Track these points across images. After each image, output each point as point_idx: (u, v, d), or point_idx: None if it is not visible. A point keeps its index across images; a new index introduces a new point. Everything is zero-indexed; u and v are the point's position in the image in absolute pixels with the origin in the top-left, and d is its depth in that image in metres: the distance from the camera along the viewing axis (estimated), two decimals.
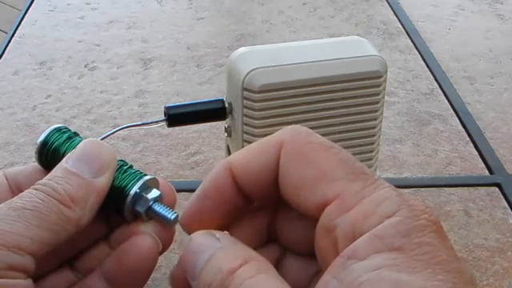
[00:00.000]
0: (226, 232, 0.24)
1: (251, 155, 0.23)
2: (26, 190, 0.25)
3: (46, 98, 0.56)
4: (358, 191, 0.21)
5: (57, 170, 0.26)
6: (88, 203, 0.25)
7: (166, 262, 0.38)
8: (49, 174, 0.26)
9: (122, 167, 0.28)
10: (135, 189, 0.27)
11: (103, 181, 0.26)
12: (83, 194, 0.25)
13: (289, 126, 0.23)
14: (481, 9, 0.76)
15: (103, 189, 0.26)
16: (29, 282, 0.23)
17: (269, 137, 0.23)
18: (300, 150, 0.22)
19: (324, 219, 0.21)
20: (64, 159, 0.26)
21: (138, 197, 0.27)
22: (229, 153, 0.41)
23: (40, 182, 0.25)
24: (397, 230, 0.20)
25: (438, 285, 0.19)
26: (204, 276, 0.21)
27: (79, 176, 0.25)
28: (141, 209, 0.27)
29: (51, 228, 0.24)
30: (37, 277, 0.27)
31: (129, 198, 0.27)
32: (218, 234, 0.23)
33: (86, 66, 0.61)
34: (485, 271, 0.39)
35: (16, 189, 0.27)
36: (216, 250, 0.22)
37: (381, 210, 0.20)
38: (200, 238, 0.23)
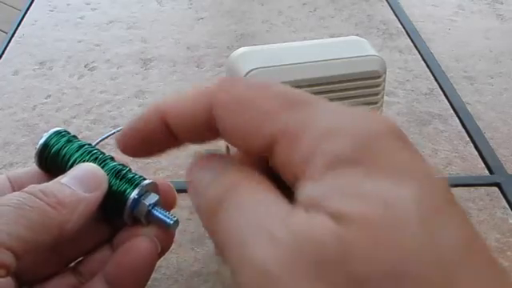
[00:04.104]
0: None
1: (183, 102, 0.23)
2: (14, 192, 0.25)
3: (46, 98, 0.56)
4: (302, 120, 0.20)
5: (50, 182, 0.26)
6: (75, 211, 0.25)
7: (166, 263, 0.38)
8: (41, 185, 0.26)
9: (121, 171, 0.28)
10: (134, 194, 0.27)
11: (93, 195, 0.26)
12: (71, 201, 0.25)
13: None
14: (481, 9, 0.75)
15: (92, 203, 0.26)
16: (8, 280, 0.22)
17: (201, 86, 0.23)
18: (235, 95, 0.22)
19: (277, 159, 0.21)
20: (59, 177, 0.26)
21: (137, 202, 0.27)
22: (228, 152, 0.41)
23: (31, 186, 0.25)
24: (351, 143, 0.19)
25: (403, 192, 0.18)
26: (210, 192, 0.21)
27: (71, 188, 0.26)
28: (140, 214, 0.27)
29: (32, 226, 0.23)
30: (39, 280, 0.27)
31: (128, 203, 0.27)
32: (212, 164, 0.23)
33: (85, 66, 0.61)
34: None
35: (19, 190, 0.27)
36: (210, 179, 0.22)
37: (329, 131, 0.19)
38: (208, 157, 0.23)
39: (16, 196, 0.24)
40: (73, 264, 0.29)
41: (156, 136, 0.24)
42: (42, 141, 0.29)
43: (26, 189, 0.25)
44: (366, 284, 0.16)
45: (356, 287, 0.16)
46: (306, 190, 0.19)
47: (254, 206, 0.20)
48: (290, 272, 0.17)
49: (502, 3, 0.77)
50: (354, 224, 0.17)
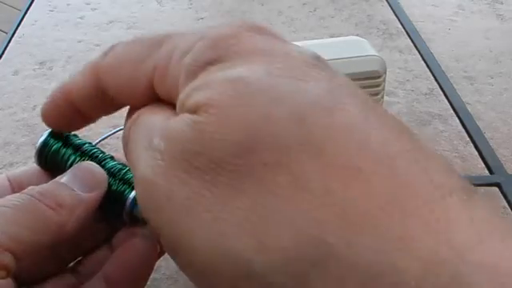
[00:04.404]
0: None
1: (78, 80, 0.25)
2: (13, 194, 0.25)
3: (46, 98, 0.56)
4: (167, 51, 0.21)
5: (49, 183, 0.26)
6: (74, 212, 0.25)
7: (166, 263, 0.38)
8: (40, 185, 0.26)
9: (121, 171, 0.28)
10: (133, 194, 0.27)
11: (92, 196, 0.26)
12: (70, 201, 0.25)
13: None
14: (481, 9, 0.75)
15: (91, 203, 0.26)
16: (8, 281, 0.22)
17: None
18: (112, 55, 0.24)
19: (160, 95, 0.22)
20: (58, 176, 0.26)
21: (136, 201, 0.27)
22: None
23: (30, 188, 0.25)
24: (205, 47, 0.19)
25: (253, 69, 0.18)
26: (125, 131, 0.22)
27: (69, 188, 0.26)
28: (139, 213, 0.27)
29: (31, 227, 0.23)
30: (38, 280, 0.27)
31: (127, 203, 0.27)
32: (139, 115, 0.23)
33: None
34: None
35: (19, 191, 0.27)
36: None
37: (188, 46, 0.20)
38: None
39: (15, 197, 0.24)
40: (72, 264, 0.29)
41: (68, 114, 0.26)
42: (41, 139, 0.29)
43: (25, 190, 0.25)
44: (225, 164, 0.17)
45: (216, 169, 0.17)
46: (177, 103, 0.20)
47: (143, 125, 0.21)
48: (162, 173, 0.18)
49: (502, 3, 0.77)
50: (206, 110, 0.17)
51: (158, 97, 0.22)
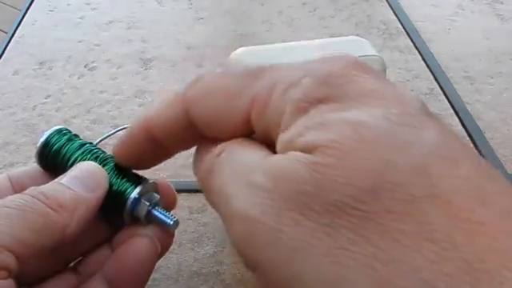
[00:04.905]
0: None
1: (162, 112, 0.24)
2: (15, 194, 0.25)
3: (46, 98, 0.56)
4: (268, 83, 0.20)
5: (50, 183, 0.26)
6: (76, 213, 0.25)
7: (166, 263, 0.38)
8: (42, 186, 0.26)
9: (122, 171, 0.28)
10: (134, 194, 0.27)
11: (93, 196, 0.26)
12: (72, 202, 0.25)
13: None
14: (481, 9, 0.75)
15: (93, 204, 0.26)
16: (9, 282, 0.22)
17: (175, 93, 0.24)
18: (202, 87, 0.23)
19: (257, 128, 0.21)
20: (59, 177, 0.26)
21: (137, 202, 0.27)
22: None
23: (31, 188, 0.25)
24: (313, 84, 0.19)
25: (371, 112, 0.17)
26: (203, 161, 0.22)
27: (70, 188, 0.25)
28: (140, 214, 0.27)
29: (34, 228, 0.23)
30: (38, 280, 0.27)
31: (128, 203, 0.27)
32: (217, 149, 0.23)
33: (85, 66, 0.61)
34: None
35: (20, 190, 0.27)
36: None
37: (293, 81, 0.19)
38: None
39: (17, 198, 0.24)
40: (72, 264, 0.29)
41: (146, 149, 0.25)
42: (42, 139, 0.29)
43: (26, 191, 0.25)
44: (347, 209, 0.16)
45: (336, 213, 0.16)
46: (281, 138, 0.19)
47: (236, 160, 0.20)
48: (272, 213, 0.17)
49: (502, 3, 0.77)
50: (326, 152, 0.17)
51: (251, 131, 0.21)
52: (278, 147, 0.19)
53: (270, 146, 0.21)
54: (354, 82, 0.19)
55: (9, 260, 0.22)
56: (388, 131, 0.17)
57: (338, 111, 0.18)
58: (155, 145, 0.25)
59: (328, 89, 0.19)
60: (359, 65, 0.20)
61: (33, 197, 0.24)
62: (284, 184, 0.17)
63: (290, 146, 0.18)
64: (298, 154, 0.18)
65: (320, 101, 0.18)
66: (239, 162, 0.20)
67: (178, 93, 0.23)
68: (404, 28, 0.71)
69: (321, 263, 0.16)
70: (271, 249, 0.17)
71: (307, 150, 0.17)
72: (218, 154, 0.21)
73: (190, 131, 0.23)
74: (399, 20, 0.73)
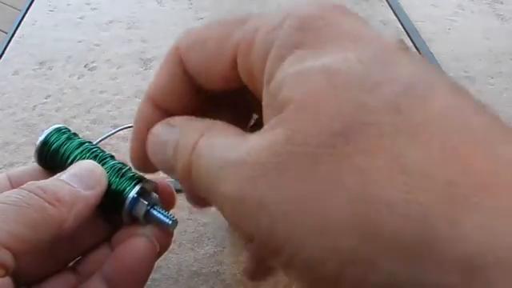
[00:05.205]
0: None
1: (161, 75, 0.25)
2: (12, 190, 0.25)
3: (46, 98, 0.56)
4: (253, 26, 0.21)
5: (49, 179, 0.26)
6: (74, 208, 0.25)
7: (166, 263, 0.38)
8: (40, 181, 0.26)
9: (121, 170, 0.28)
10: (133, 193, 0.27)
11: (93, 193, 0.26)
12: (70, 198, 0.25)
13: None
14: (481, 9, 0.75)
15: (91, 200, 0.26)
16: (7, 280, 0.22)
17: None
18: (193, 35, 0.23)
19: (242, 73, 0.21)
20: (58, 174, 0.26)
21: (136, 201, 0.27)
22: None
23: (29, 183, 0.25)
24: (293, 27, 0.19)
25: (346, 56, 0.18)
26: (178, 163, 0.21)
27: (70, 184, 0.25)
28: (138, 213, 0.27)
29: (30, 223, 0.23)
30: (37, 280, 0.27)
31: (126, 203, 0.27)
32: (172, 120, 0.23)
33: (85, 66, 0.61)
34: None
35: None
36: (176, 138, 0.22)
37: (274, 25, 0.20)
38: (159, 130, 0.23)
39: (14, 193, 0.24)
40: (71, 263, 0.29)
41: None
42: (41, 137, 0.29)
43: (24, 186, 0.25)
44: (317, 158, 0.16)
45: (310, 165, 0.17)
46: (265, 92, 0.19)
47: (217, 144, 0.20)
48: (256, 188, 0.18)
49: (502, 3, 0.77)
50: (300, 107, 0.17)
51: (239, 79, 0.22)
52: (264, 101, 0.20)
53: (256, 91, 0.21)
54: (331, 24, 0.19)
55: (6, 257, 0.22)
56: (361, 74, 0.17)
57: (313, 58, 0.18)
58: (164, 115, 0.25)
59: (304, 34, 0.19)
60: (339, 8, 0.20)
61: (30, 191, 0.24)
62: (263, 155, 0.18)
63: (273, 102, 0.19)
64: (276, 132, 0.18)
65: (297, 46, 0.19)
66: (219, 145, 0.20)
67: (172, 47, 0.24)
68: (404, 28, 0.71)
69: (307, 218, 0.17)
70: (259, 216, 0.17)
71: (283, 104, 0.18)
72: (197, 149, 0.21)
73: (188, 86, 0.24)
74: (399, 20, 0.73)
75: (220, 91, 0.24)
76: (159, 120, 0.24)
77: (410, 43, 0.68)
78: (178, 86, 0.24)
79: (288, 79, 0.18)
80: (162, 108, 0.25)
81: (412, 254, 0.15)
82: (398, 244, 0.15)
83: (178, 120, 0.23)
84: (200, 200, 0.25)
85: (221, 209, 0.19)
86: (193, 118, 0.23)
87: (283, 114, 0.18)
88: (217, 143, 0.20)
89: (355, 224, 0.16)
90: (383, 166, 0.16)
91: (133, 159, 0.27)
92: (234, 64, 0.21)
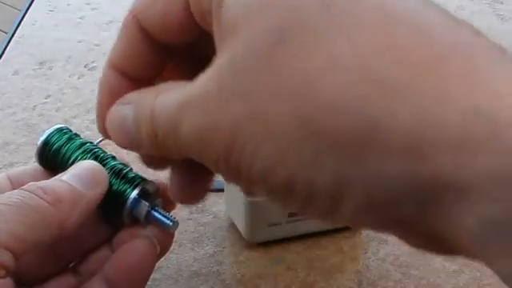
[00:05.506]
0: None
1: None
2: (13, 190, 0.25)
3: (46, 98, 0.56)
4: None
5: (50, 180, 0.26)
6: (75, 209, 0.25)
7: (166, 263, 0.38)
8: (41, 182, 0.26)
9: (122, 170, 0.28)
10: (134, 194, 0.27)
11: (93, 194, 0.26)
12: (71, 197, 0.25)
13: None
14: (481, 9, 0.75)
15: (92, 201, 0.26)
16: (7, 281, 0.22)
17: None
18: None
19: (192, 9, 0.22)
20: (59, 174, 0.26)
21: (137, 202, 0.27)
22: None
23: (30, 183, 0.25)
24: None
25: None
26: (142, 132, 0.22)
27: (71, 185, 0.25)
28: (139, 214, 0.27)
29: (30, 223, 0.23)
30: (38, 280, 0.27)
31: (128, 203, 0.27)
32: (124, 99, 0.23)
33: (85, 66, 0.61)
34: (486, 271, 0.39)
35: None
36: (133, 112, 0.22)
37: None
38: (115, 112, 0.24)
39: (15, 194, 0.24)
40: (72, 264, 0.29)
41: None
42: (43, 138, 0.29)
43: (25, 186, 0.25)
44: (259, 65, 0.17)
45: (253, 75, 0.17)
46: (222, 13, 0.19)
47: (171, 96, 0.21)
48: (210, 116, 0.18)
49: (502, 3, 0.77)
50: (237, 27, 0.18)
51: (195, 27, 0.22)
52: (215, 33, 0.20)
53: (211, 32, 0.21)
54: None
55: (6, 258, 0.22)
56: None
57: None
58: (131, 84, 0.25)
59: None
60: None
61: (30, 192, 0.24)
62: (211, 85, 0.18)
63: (221, 30, 0.19)
64: (219, 61, 0.18)
65: None
66: (173, 98, 0.20)
67: (128, 13, 0.25)
68: None
69: (255, 127, 0.17)
70: (219, 142, 0.18)
71: (229, 29, 0.18)
72: (152, 110, 0.21)
73: (148, 46, 0.24)
74: None
75: (180, 46, 0.24)
76: (123, 88, 0.24)
77: None
78: (137, 46, 0.24)
79: (230, 1, 0.18)
80: (125, 74, 0.25)
81: (355, 149, 0.15)
82: (341, 140, 0.15)
83: (129, 96, 0.23)
84: (158, 160, 0.25)
85: (186, 151, 0.20)
86: (143, 89, 0.23)
87: (226, 41, 0.18)
88: (171, 95, 0.21)
89: (298, 126, 0.16)
90: (321, 66, 0.16)
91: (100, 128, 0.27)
92: (187, 5, 0.22)
